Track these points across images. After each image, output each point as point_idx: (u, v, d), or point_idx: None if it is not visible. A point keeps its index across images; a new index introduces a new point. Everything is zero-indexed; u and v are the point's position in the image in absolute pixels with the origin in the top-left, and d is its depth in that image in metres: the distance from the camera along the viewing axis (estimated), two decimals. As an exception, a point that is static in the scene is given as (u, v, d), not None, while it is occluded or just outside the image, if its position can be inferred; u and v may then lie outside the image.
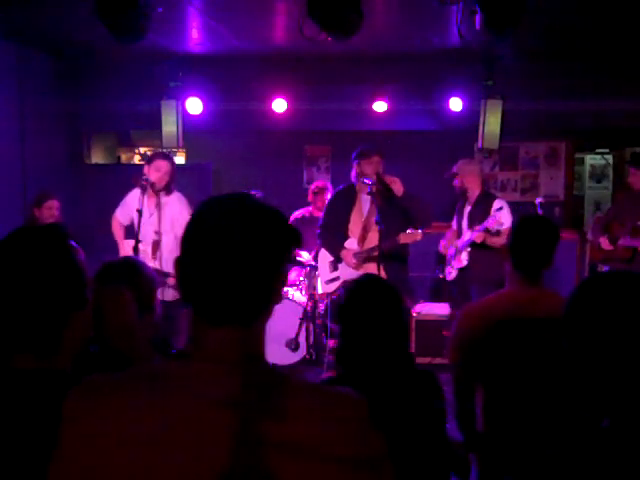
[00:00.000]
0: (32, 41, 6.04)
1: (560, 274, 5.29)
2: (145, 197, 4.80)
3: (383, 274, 4.51)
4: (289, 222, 1.21)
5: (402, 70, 6.51)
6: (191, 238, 1.14)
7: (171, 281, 5.00)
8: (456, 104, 6.43)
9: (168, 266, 5.04)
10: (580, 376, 1.31)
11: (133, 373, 1.16)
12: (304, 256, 6.07)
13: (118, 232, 5.19)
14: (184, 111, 6.46)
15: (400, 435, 1.89)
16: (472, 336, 2.41)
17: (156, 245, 4.97)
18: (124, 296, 1.98)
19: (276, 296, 1.17)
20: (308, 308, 5.81)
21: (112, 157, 8.91)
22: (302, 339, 5.81)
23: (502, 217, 4.91)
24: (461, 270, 5.29)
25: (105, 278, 2.13)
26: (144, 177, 4.81)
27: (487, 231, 4.98)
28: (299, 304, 5.82)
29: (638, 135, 7.51)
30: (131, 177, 4.98)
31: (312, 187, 6.54)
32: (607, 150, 9.91)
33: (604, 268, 5.50)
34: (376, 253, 4.69)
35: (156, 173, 4.92)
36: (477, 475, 2.41)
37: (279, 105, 6.68)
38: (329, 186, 6.44)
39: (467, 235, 5.23)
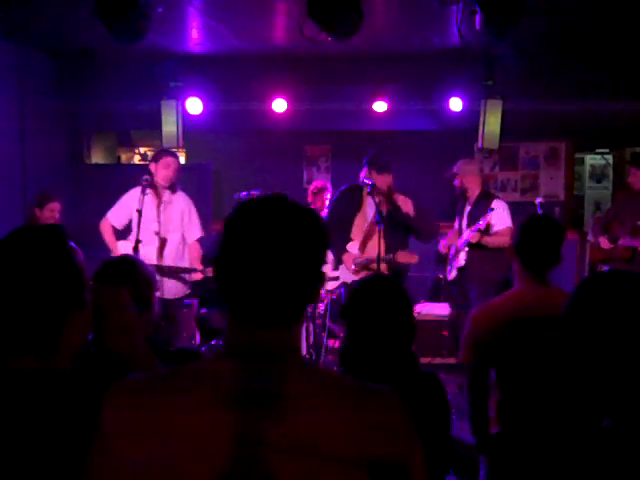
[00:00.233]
0: (32, 41, 6.04)
1: (560, 274, 5.26)
2: (145, 197, 4.76)
3: None
4: None
5: (402, 70, 6.51)
6: (233, 241, 1.14)
7: (198, 276, 5.00)
8: (456, 104, 6.43)
9: (176, 262, 5.05)
10: (580, 376, 1.31)
11: (168, 372, 1.17)
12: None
13: (109, 234, 5.06)
14: (184, 111, 6.46)
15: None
16: (486, 336, 2.42)
17: (163, 244, 4.97)
18: (123, 295, 1.98)
19: (317, 296, 1.18)
20: (308, 308, 5.80)
21: (112, 157, 8.91)
22: (302, 339, 5.81)
23: (493, 217, 4.98)
24: (460, 270, 5.30)
25: (104, 277, 2.14)
26: (146, 177, 4.79)
27: (480, 231, 5.02)
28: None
29: (638, 135, 7.50)
30: (133, 177, 4.96)
31: (311, 187, 6.54)
32: (607, 150, 9.90)
33: (604, 268, 5.50)
34: (374, 265, 4.69)
35: (165, 170, 4.90)
36: (486, 477, 2.41)
37: (279, 105, 6.68)
38: (328, 186, 6.44)
39: (466, 235, 5.25)
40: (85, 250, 2.06)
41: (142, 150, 9.35)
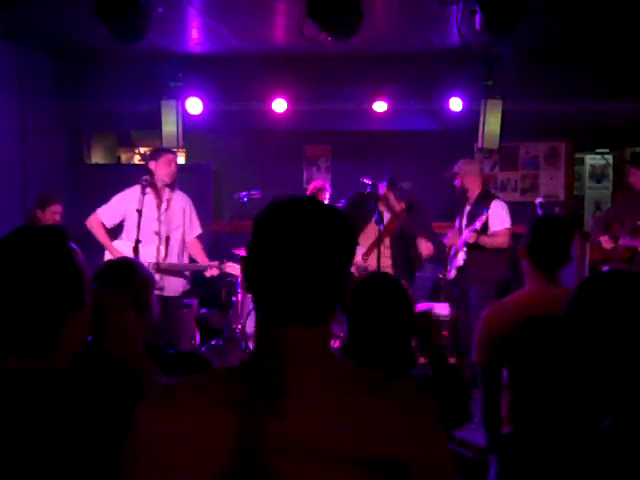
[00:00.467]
0: (32, 41, 6.04)
1: (560, 274, 5.28)
2: (145, 197, 4.74)
3: None
4: None
5: (402, 70, 6.50)
6: (264, 242, 1.14)
7: (215, 272, 5.02)
8: (456, 104, 6.43)
9: (179, 259, 5.06)
10: (581, 376, 1.31)
11: (200, 376, 1.19)
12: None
13: (100, 232, 4.94)
14: (184, 111, 6.46)
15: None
16: (498, 335, 2.42)
17: (166, 242, 4.97)
18: (122, 297, 1.98)
19: (345, 294, 1.19)
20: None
21: (112, 157, 8.90)
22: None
23: (491, 218, 5.04)
24: (459, 270, 5.32)
25: (104, 278, 2.14)
26: (145, 177, 4.79)
27: (477, 232, 5.03)
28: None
29: (638, 135, 7.49)
30: (133, 177, 4.95)
31: (310, 187, 6.54)
32: (607, 150, 9.89)
33: (604, 268, 5.50)
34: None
35: (167, 167, 4.91)
36: (496, 477, 2.40)
37: (279, 105, 6.67)
38: (327, 186, 6.44)
39: (464, 235, 5.26)
40: (85, 250, 2.06)
41: (142, 150, 9.34)
